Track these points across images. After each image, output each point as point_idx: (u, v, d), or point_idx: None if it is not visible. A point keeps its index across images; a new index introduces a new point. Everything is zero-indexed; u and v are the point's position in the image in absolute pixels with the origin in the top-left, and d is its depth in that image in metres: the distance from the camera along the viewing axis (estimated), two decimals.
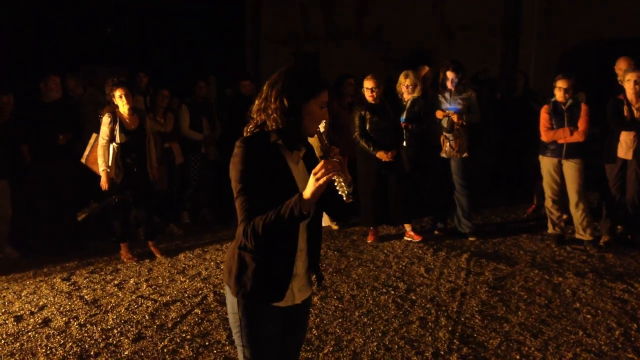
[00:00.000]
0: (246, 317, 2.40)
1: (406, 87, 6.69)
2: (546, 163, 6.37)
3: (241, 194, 2.26)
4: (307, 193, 2.14)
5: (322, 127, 2.42)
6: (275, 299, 2.40)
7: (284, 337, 2.51)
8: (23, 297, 5.08)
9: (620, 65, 6.74)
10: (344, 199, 2.18)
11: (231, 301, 2.44)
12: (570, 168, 6.20)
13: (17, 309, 4.83)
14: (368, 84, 6.31)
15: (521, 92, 8.31)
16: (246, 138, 2.33)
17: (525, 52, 12.03)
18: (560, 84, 6.12)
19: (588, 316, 4.57)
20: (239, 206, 2.27)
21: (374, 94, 6.29)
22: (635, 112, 5.95)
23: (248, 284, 2.36)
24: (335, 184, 2.19)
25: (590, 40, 11.20)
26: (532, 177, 7.43)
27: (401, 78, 6.75)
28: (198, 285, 5.33)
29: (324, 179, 2.11)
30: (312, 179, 2.13)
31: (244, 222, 2.24)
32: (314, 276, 2.57)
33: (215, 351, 4.05)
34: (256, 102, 2.38)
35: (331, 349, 4.06)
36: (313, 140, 2.49)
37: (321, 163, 2.14)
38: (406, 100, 6.71)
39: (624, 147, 6.03)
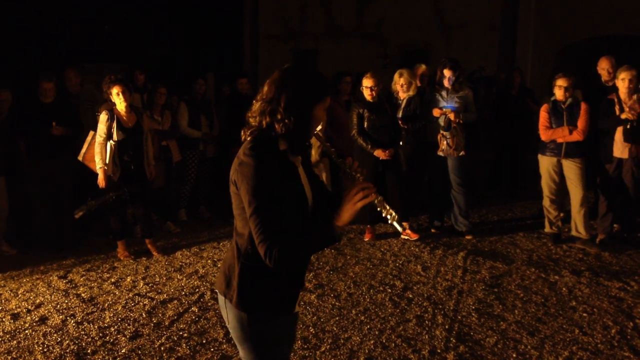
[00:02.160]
0: (258, 331, 2.29)
1: (401, 86, 6.69)
2: (545, 162, 6.34)
3: (258, 212, 2.10)
4: (343, 218, 2.12)
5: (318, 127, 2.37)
6: (287, 310, 2.32)
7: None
8: (20, 295, 5.08)
9: (603, 65, 6.74)
10: (395, 224, 2.17)
11: (237, 315, 2.28)
12: (570, 167, 6.18)
13: (13, 307, 4.82)
14: (367, 82, 6.30)
15: (518, 90, 8.32)
16: (255, 147, 2.16)
17: (522, 49, 12.05)
18: (561, 82, 6.08)
19: (584, 314, 4.59)
20: (256, 225, 2.10)
21: (374, 92, 6.29)
22: (627, 110, 5.96)
23: (259, 296, 2.26)
24: (378, 208, 2.15)
25: (587, 38, 11.22)
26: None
27: (396, 77, 6.76)
28: (195, 283, 5.34)
29: (363, 202, 2.08)
30: (349, 204, 2.10)
31: (265, 243, 2.08)
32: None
33: (212, 349, 4.05)
34: (257, 104, 2.23)
35: (328, 347, 4.07)
36: (312, 141, 2.43)
37: (358, 186, 2.11)
38: (402, 98, 6.71)
39: (619, 146, 6.04)
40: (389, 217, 2.16)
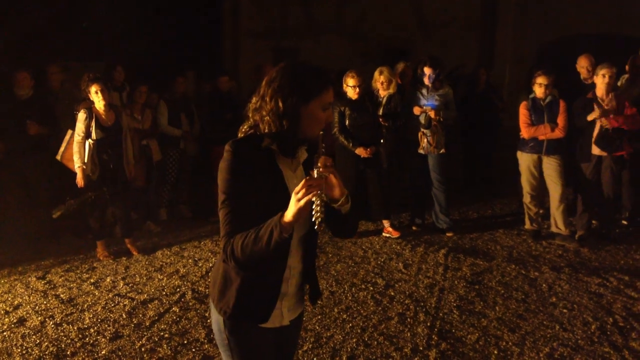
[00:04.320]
0: (235, 337, 2.23)
1: (381, 84, 6.69)
2: (526, 159, 6.36)
3: (224, 206, 2.06)
4: (287, 214, 1.91)
5: None
6: (259, 320, 2.21)
7: (275, 355, 2.36)
8: None
9: (582, 63, 6.81)
10: (315, 226, 1.91)
11: (217, 319, 2.26)
12: (550, 164, 6.22)
13: None
14: (351, 81, 6.27)
15: (483, 88, 8.38)
16: (236, 142, 2.11)
17: (501, 47, 12.15)
18: (541, 80, 6.10)
19: (564, 310, 4.63)
20: (221, 219, 2.06)
21: (358, 91, 6.27)
22: (605, 108, 6.01)
23: (231, 301, 2.18)
24: (313, 205, 1.91)
25: (566, 36, 11.33)
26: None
27: (376, 74, 6.75)
28: (176, 283, 5.30)
29: (304, 200, 1.88)
30: (293, 199, 1.90)
31: (225, 238, 2.04)
32: (307, 294, 2.39)
33: (193, 349, 4.02)
34: (253, 99, 2.16)
35: (310, 345, 4.06)
36: None
37: (303, 181, 1.90)
38: (382, 96, 6.72)
39: None
40: (314, 218, 1.90)
